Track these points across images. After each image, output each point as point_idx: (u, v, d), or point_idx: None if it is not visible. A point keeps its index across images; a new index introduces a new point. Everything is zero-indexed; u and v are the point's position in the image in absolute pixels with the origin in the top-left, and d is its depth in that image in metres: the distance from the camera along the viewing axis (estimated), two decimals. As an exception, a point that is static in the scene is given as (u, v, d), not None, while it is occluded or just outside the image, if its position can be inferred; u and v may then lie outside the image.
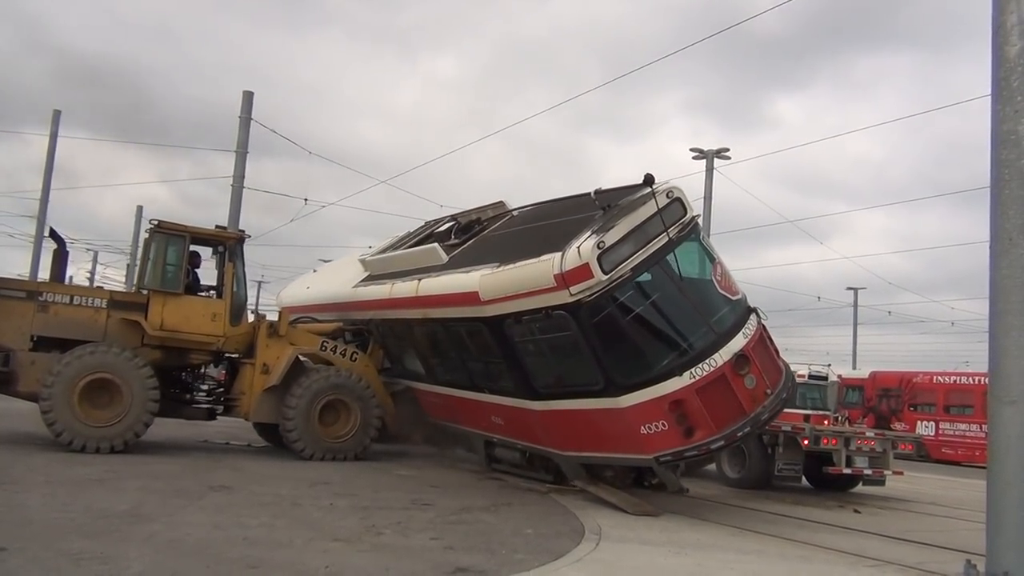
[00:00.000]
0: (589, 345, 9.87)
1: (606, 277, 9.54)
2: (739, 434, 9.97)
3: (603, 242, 9.55)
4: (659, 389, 9.66)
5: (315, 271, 21.83)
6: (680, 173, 34.48)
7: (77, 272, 50.67)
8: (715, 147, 28.20)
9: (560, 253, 9.76)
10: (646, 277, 9.97)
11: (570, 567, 6.89)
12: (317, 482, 10.77)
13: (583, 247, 9.58)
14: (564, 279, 9.63)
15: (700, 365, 9.75)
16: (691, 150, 28.68)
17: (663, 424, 9.67)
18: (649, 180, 9.68)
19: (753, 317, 10.69)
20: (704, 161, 28.27)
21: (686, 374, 9.68)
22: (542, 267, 9.95)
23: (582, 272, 9.53)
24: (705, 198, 27.59)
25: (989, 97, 6.46)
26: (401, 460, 14.33)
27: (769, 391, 10.24)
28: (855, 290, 48.81)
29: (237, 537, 7.02)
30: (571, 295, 9.63)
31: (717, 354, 9.85)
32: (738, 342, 10.10)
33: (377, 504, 9.40)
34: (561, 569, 6.80)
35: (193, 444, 14.61)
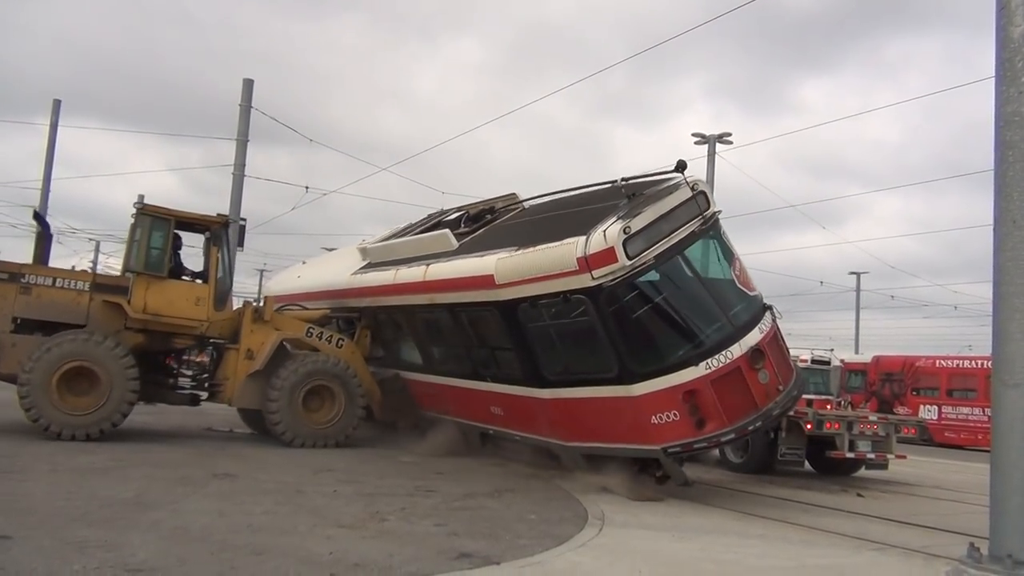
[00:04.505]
0: (606, 331, 9.82)
1: (630, 262, 9.52)
2: (750, 428, 9.98)
3: (629, 227, 9.53)
4: (674, 378, 9.65)
5: (304, 263, 21.54)
6: (697, 155, 34.30)
7: (80, 262, 50.49)
8: (736, 131, 28.29)
9: (585, 236, 9.72)
10: (668, 266, 9.95)
11: (574, 552, 6.91)
12: (320, 469, 10.80)
13: (609, 231, 9.55)
14: (588, 262, 9.59)
15: (716, 356, 9.74)
16: (693, 135, 28.49)
17: (675, 414, 9.65)
18: (681, 166, 9.72)
19: (768, 314, 10.72)
20: (717, 146, 28.02)
21: (702, 364, 9.67)
22: (565, 250, 9.91)
23: (607, 256, 9.50)
24: (708, 184, 27.43)
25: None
26: (405, 447, 14.35)
27: (781, 387, 10.28)
28: (857, 275, 49.01)
29: (241, 524, 7.04)
30: (593, 279, 9.59)
31: (734, 347, 9.85)
32: (754, 336, 10.11)
33: (381, 491, 9.42)
34: (565, 554, 6.82)
35: (197, 432, 14.65)
